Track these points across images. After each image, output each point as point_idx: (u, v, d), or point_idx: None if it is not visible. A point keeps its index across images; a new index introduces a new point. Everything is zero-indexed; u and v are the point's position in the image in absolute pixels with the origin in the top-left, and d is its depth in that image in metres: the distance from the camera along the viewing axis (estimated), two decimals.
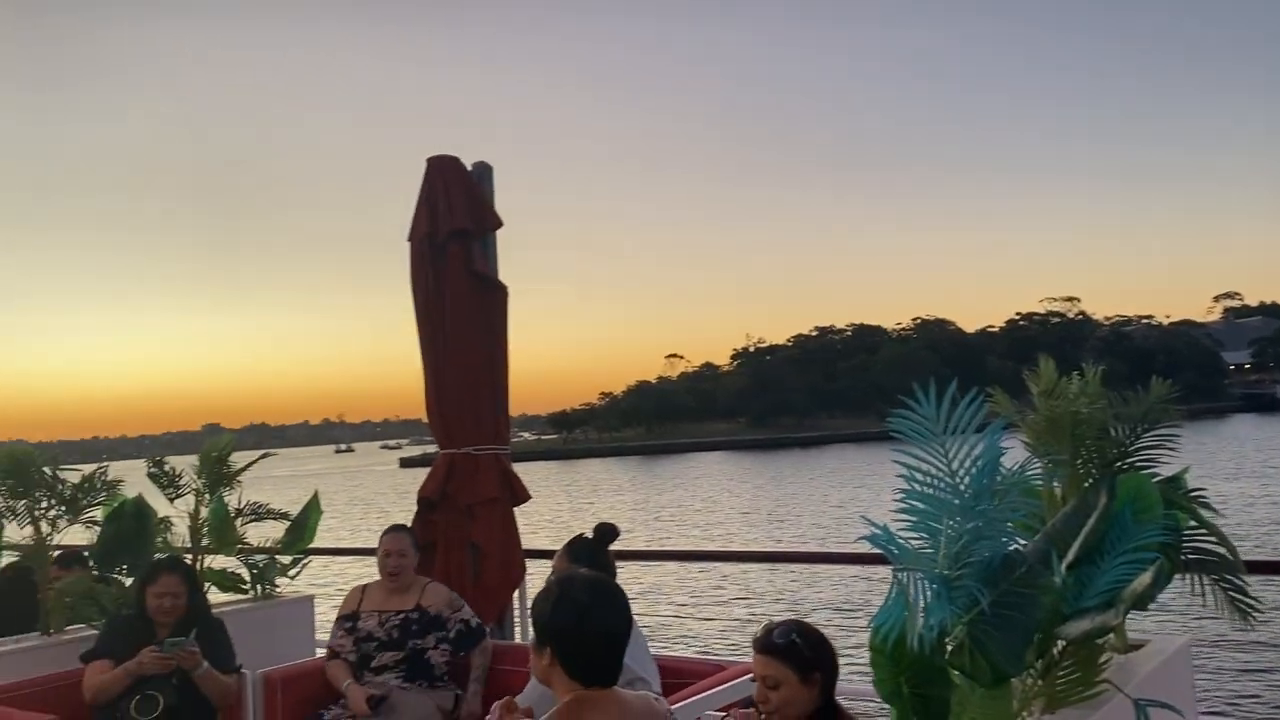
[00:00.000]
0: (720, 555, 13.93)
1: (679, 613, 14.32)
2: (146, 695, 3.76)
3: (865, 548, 2.55)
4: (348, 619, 4.15)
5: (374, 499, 45.70)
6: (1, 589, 4.81)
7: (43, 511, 4.48)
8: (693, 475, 55.73)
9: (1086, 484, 2.62)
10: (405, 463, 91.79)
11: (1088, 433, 2.67)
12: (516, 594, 4.84)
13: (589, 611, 2.13)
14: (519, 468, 4.95)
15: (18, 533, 4.55)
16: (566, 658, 2.12)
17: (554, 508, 37.13)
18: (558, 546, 3.79)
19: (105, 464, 4.68)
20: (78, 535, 4.64)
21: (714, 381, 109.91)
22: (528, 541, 4.96)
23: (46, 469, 4.47)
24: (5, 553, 4.84)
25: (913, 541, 2.07)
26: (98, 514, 4.65)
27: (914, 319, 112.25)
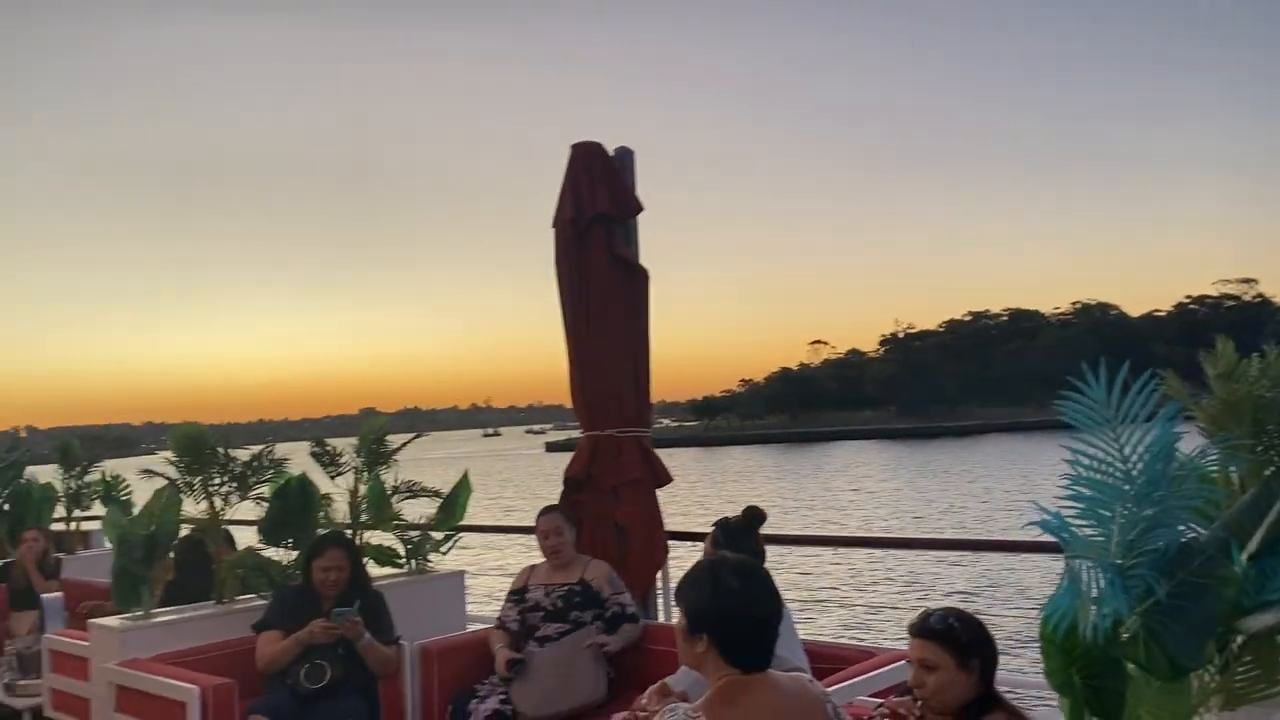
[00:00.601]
0: (871, 541, 13.70)
1: (827, 598, 14.20)
2: (315, 664, 4.01)
3: (1026, 536, 2.48)
4: (517, 594, 4.36)
5: (526, 480, 46.92)
6: (179, 560, 5.19)
7: (216, 487, 4.82)
8: (839, 463, 54.98)
9: (1268, 471, 2.47)
10: (551, 447, 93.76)
11: (1270, 417, 2.51)
12: (660, 574, 4.91)
13: (742, 596, 2.13)
14: (662, 453, 5.02)
15: (193, 507, 4.91)
16: (722, 643, 2.11)
17: (700, 493, 37.27)
18: (701, 529, 3.83)
19: (271, 443, 4.98)
20: (248, 510, 4.96)
21: (860, 368, 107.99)
22: (672, 524, 5.03)
23: (219, 448, 4.80)
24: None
25: (1084, 529, 2.01)
26: (265, 490, 4.97)
27: (1074, 303, 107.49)
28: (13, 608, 6.38)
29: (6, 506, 7.72)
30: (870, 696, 3.23)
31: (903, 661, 3.58)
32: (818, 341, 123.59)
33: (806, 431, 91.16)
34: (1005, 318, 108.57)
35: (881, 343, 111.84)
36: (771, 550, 3.87)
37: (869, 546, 17.32)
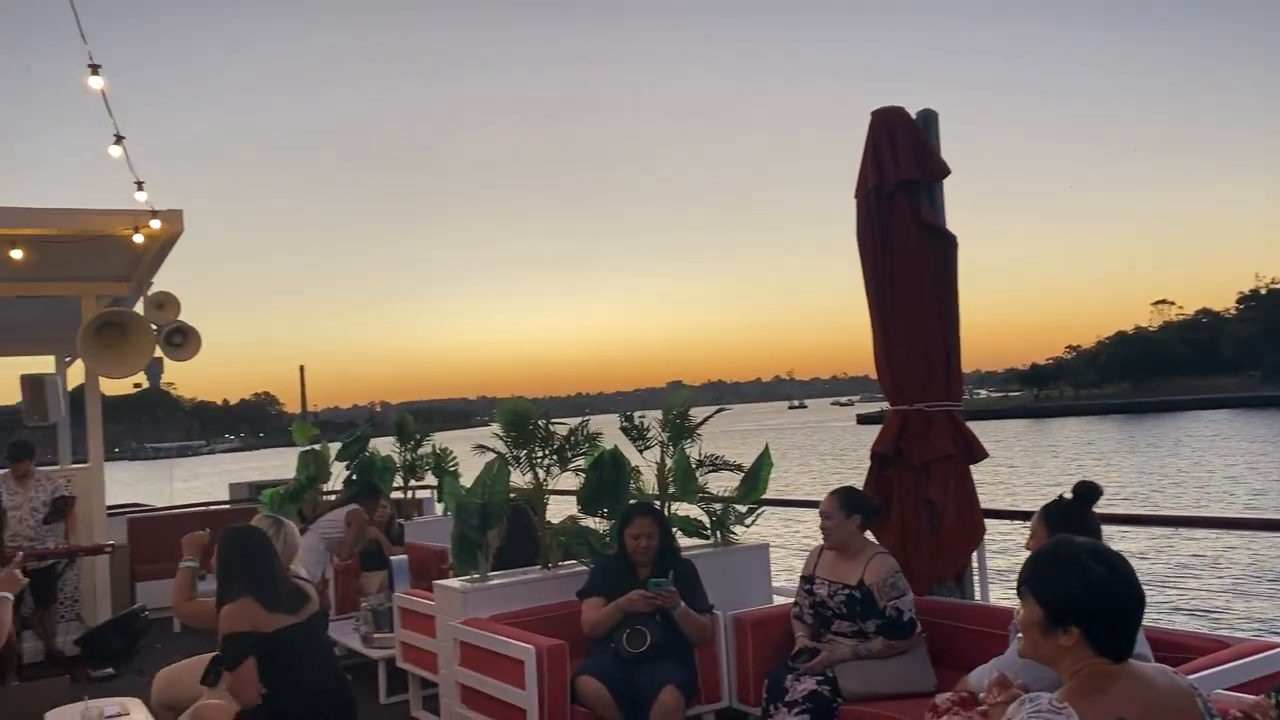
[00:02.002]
0: (1228, 522, 12.46)
1: (1166, 583, 13.18)
2: (635, 630, 4.41)
3: None
4: (806, 580, 4.49)
5: (843, 454, 46.51)
6: (508, 527, 5.81)
7: (539, 460, 5.37)
8: (1196, 434, 50.18)
9: None
10: (863, 419, 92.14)
11: None
12: (975, 553, 4.89)
13: (1113, 582, 2.07)
14: (983, 426, 4.97)
15: (519, 478, 5.49)
16: (1092, 634, 2.05)
17: (1030, 470, 35.38)
18: (1019, 507, 3.78)
19: (587, 418, 5.46)
20: (568, 481, 5.48)
21: (1214, 330, 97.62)
22: (995, 501, 4.97)
23: (541, 422, 5.34)
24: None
25: None
26: (582, 463, 5.46)
27: None
28: (364, 569, 7.39)
29: (354, 477, 8.91)
30: (1228, 691, 3.08)
31: (1260, 654, 3.40)
32: (1162, 302, 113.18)
33: (1155, 401, 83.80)
34: None
35: (1240, 300, 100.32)
36: (1109, 530, 3.74)
37: (1222, 528, 15.84)
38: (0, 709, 4.54)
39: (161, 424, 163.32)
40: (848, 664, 4.17)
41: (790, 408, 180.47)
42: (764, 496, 5.75)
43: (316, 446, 8.96)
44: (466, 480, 8.49)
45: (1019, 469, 35.19)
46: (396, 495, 8.98)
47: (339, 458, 9.04)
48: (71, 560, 8.08)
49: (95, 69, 5.09)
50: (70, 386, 10.77)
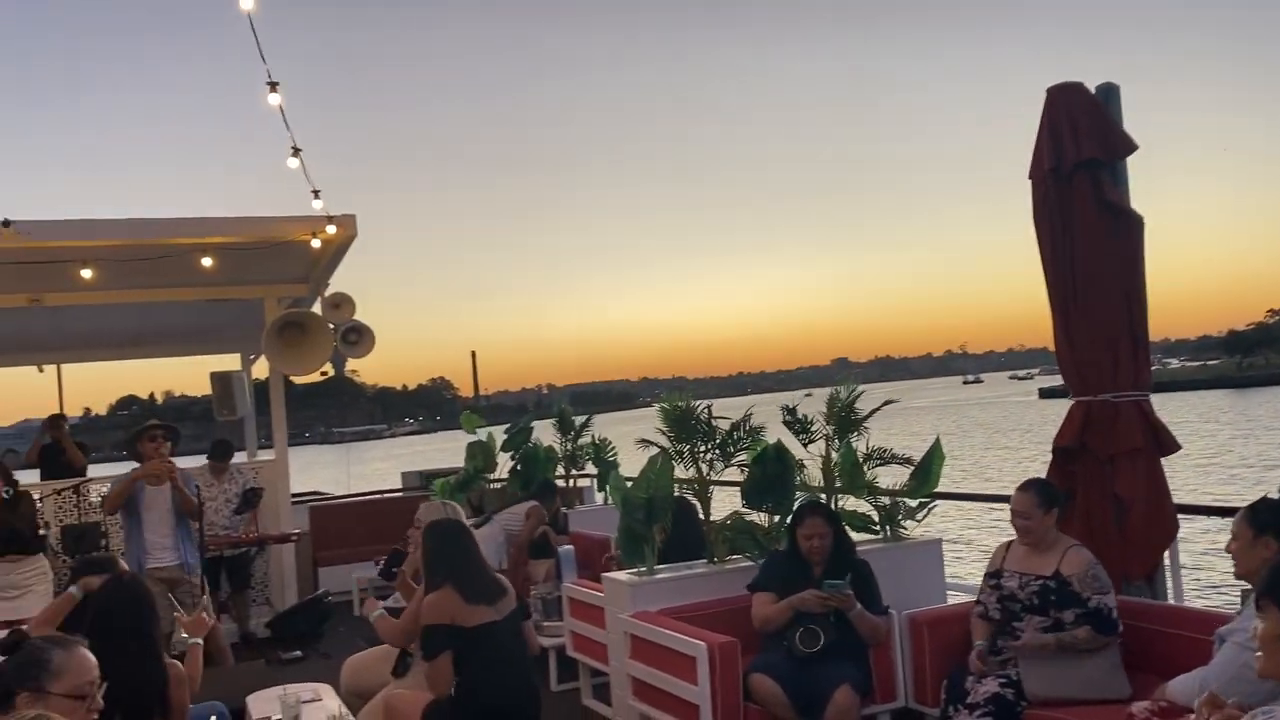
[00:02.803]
0: None
1: None
2: (809, 629, 4.33)
3: None
4: (992, 576, 4.30)
5: (1028, 430, 42.96)
6: (673, 521, 5.82)
7: (701, 454, 5.35)
8: None
9: None
10: (1045, 393, 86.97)
11: None
12: (1167, 552, 4.61)
13: None
14: (1180, 399, 4.67)
15: (683, 472, 5.48)
16: None
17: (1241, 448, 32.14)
18: (1221, 504, 3.53)
19: (751, 412, 5.39)
20: (731, 473, 5.44)
21: None
22: (1203, 487, 4.67)
23: (703, 417, 5.31)
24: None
25: None
26: (745, 457, 5.40)
27: None
28: (531, 557, 7.56)
29: (519, 467, 9.11)
30: None
31: None
32: None
33: None
34: None
35: None
36: None
37: None
38: (208, 689, 4.84)
39: (346, 409, 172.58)
40: (1034, 665, 3.98)
41: (965, 383, 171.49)
42: (937, 490, 5.57)
43: (483, 437, 9.22)
44: (625, 469, 8.61)
45: (1231, 448, 31.90)
46: (559, 484, 9.14)
47: (504, 448, 9.27)
48: (261, 548, 8.57)
49: (273, 86, 5.32)
50: (254, 381, 11.41)
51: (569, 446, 9.26)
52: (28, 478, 8.41)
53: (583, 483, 9.75)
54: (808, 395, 5.62)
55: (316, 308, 8.65)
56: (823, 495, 5.36)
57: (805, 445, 5.54)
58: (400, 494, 12.05)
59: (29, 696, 2.51)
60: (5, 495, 6.61)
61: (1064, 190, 4.51)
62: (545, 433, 9.40)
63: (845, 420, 5.47)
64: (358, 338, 8.49)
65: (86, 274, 7.52)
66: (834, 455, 5.48)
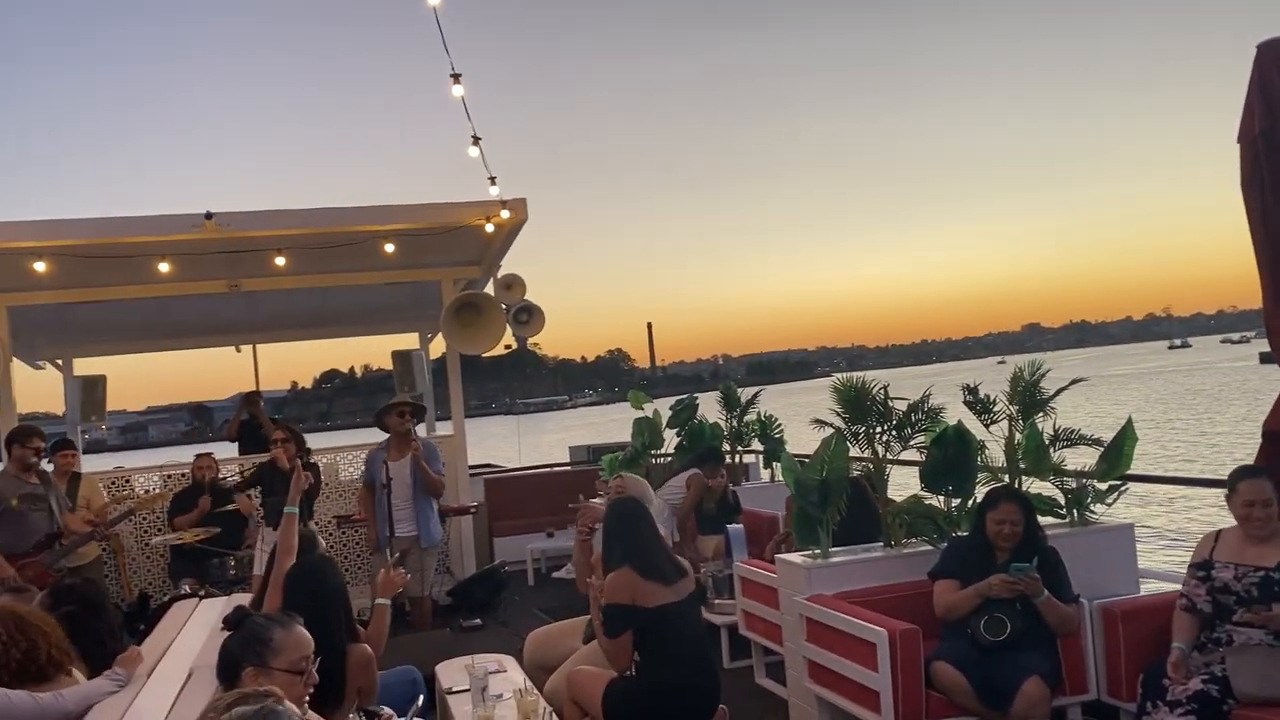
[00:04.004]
0: None
1: None
2: (994, 617, 4.19)
3: None
4: (1200, 567, 4.05)
5: (1258, 397, 38.50)
6: (847, 502, 5.71)
7: (877, 435, 5.22)
8: None
9: None
10: (1266, 357, 78.21)
11: None
12: None
13: None
14: None
15: (857, 453, 5.35)
16: None
17: None
18: None
19: (929, 391, 5.22)
20: (908, 454, 5.29)
21: None
22: None
23: (879, 398, 5.17)
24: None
25: None
26: (923, 439, 5.24)
27: None
28: (701, 533, 7.57)
29: (685, 443, 9.14)
30: None
31: None
32: None
33: None
34: None
35: None
36: None
37: None
38: (401, 654, 5.08)
39: (529, 381, 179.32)
40: (1243, 662, 3.73)
41: (1171, 348, 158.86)
42: (1129, 471, 5.27)
43: (649, 413, 9.29)
44: (795, 443, 8.52)
45: None
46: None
47: (669, 425, 9.31)
48: (443, 520, 8.91)
49: (456, 78, 5.46)
50: (430, 359, 11.84)
51: (734, 423, 9.23)
52: (226, 451, 9.02)
53: (748, 459, 9.71)
54: (1000, 363, 5.36)
55: (489, 288, 8.89)
56: (1005, 477, 5.15)
57: (987, 426, 5.33)
58: (569, 468, 12.30)
59: (253, 670, 2.68)
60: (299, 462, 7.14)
61: (1276, 155, 4.16)
62: (710, 408, 9.39)
63: (1030, 400, 5.23)
64: (528, 317, 8.70)
65: (280, 261, 7.96)
66: (1018, 436, 5.25)
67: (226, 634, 2.93)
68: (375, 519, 7.31)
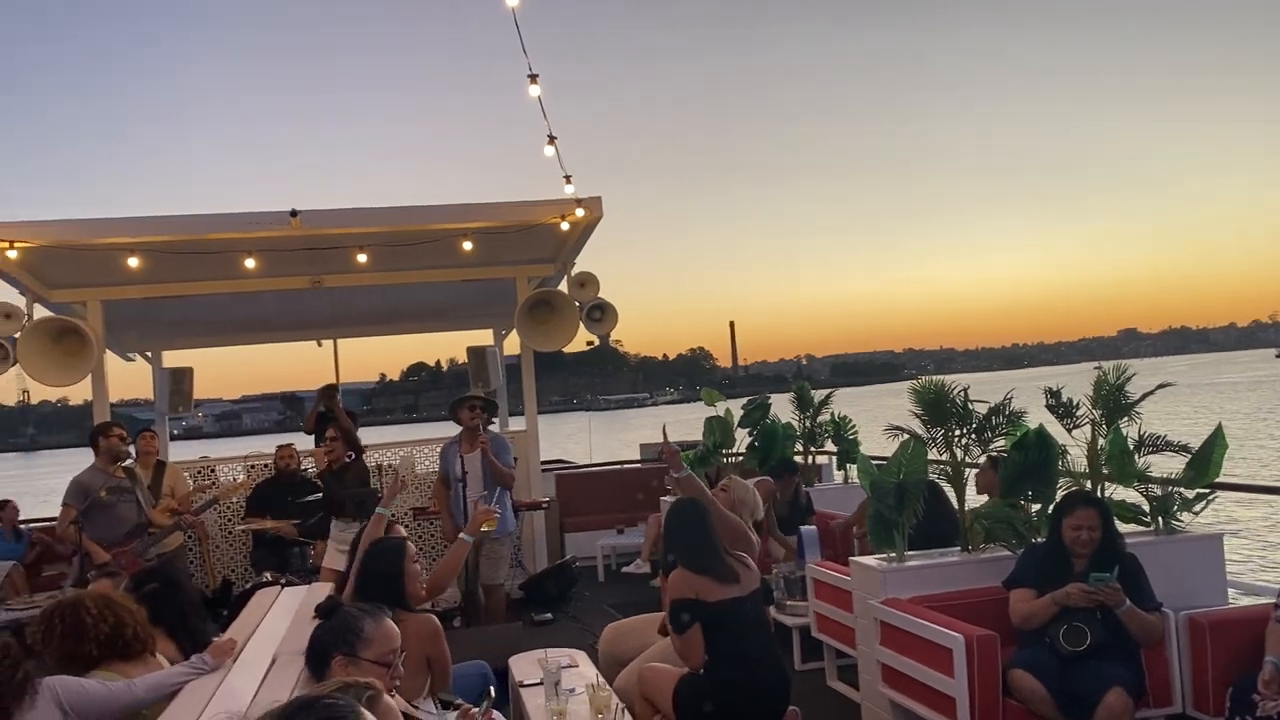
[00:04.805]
0: None
1: None
2: (1074, 626, 4.09)
3: None
4: None
5: None
6: (923, 506, 5.63)
7: (956, 438, 5.13)
8: None
9: None
10: None
11: None
12: None
13: None
14: None
15: (935, 455, 5.27)
16: None
17: None
18: None
19: (1010, 395, 5.11)
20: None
21: None
22: None
23: (959, 400, 5.09)
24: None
25: None
26: (1003, 442, 5.14)
27: None
28: (770, 534, 7.53)
29: (757, 444, 9.10)
30: None
31: None
32: None
33: None
34: None
35: None
36: None
37: None
38: (473, 647, 5.15)
39: (610, 378, 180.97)
40: None
41: (1279, 356, 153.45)
42: (1218, 480, 5.10)
43: (722, 412, 9.26)
44: (870, 444, 8.42)
45: None
46: (796, 462, 9.06)
47: (741, 424, 9.28)
48: (516, 514, 9.00)
49: (534, 78, 5.51)
50: (504, 355, 11.96)
51: (807, 424, 9.16)
52: (303, 443, 9.21)
53: (821, 460, 9.64)
54: (1096, 368, 5.23)
55: (563, 286, 8.95)
56: (1087, 483, 5.03)
57: (1069, 430, 5.21)
58: (639, 465, 12.33)
59: (342, 660, 2.73)
60: (349, 459, 7.31)
61: None
62: (783, 408, 9.33)
63: (1114, 404, 5.10)
64: (601, 315, 8.75)
65: (361, 258, 8.11)
66: (1101, 441, 5.13)
67: (316, 622, 2.99)
68: (451, 511, 7.42)
